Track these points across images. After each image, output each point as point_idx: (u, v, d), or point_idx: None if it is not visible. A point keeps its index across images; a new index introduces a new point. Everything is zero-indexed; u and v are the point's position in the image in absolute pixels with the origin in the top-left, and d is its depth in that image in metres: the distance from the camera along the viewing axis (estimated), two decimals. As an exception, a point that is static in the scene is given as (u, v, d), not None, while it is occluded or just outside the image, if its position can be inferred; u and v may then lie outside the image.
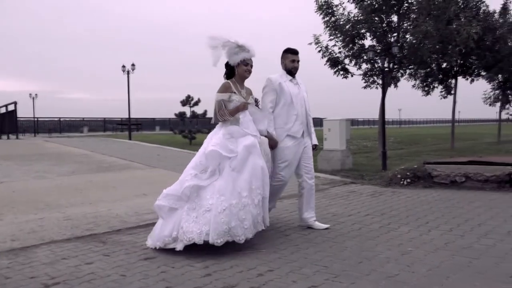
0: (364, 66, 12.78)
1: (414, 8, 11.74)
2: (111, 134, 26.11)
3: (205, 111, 17.52)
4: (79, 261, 3.23)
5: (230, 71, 3.89)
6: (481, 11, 15.23)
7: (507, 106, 21.39)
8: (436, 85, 16.56)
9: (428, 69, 15.07)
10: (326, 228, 4.17)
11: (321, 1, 12.33)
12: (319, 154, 9.16)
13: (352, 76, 13.00)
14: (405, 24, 12.22)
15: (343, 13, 12.25)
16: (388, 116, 66.03)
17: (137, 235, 3.99)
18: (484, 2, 15.26)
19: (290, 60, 4.18)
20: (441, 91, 16.85)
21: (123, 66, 23.51)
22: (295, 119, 4.13)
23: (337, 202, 5.63)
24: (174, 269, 3.04)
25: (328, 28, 12.33)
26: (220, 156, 3.53)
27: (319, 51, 12.62)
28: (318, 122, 17.10)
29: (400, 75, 13.60)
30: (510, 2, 16.50)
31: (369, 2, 11.77)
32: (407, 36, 12.09)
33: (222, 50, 3.80)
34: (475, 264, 2.99)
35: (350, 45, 12.26)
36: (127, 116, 23.42)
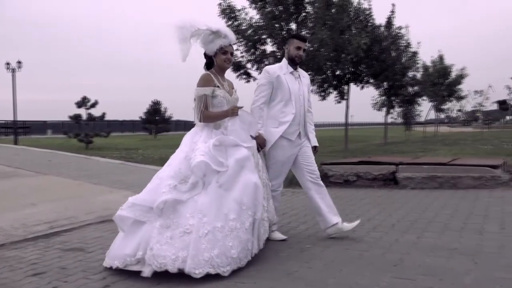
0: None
1: (311, 17, 12.45)
2: (-7, 139, 23.46)
3: (103, 114, 16.63)
4: (-49, 283, 2.83)
5: (208, 62, 3.41)
6: (369, 24, 16.66)
7: (392, 110, 23.60)
8: (331, 90, 17.68)
9: (324, 76, 16.05)
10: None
11: (224, 5, 12.48)
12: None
13: (254, 80, 13.36)
14: (303, 32, 12.88)
15: (245, 18, 12.54)
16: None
17: (24, 249, 3.62)
18: (372, 15, 16.74)
19: (295, 46, 3.66)
20: (336, 97, 18.01)
21: (7, 64, 21.37)
22: (291, 119, 3.61)
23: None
24: (67, 284, 2.81)
25: (230, 33, 12.53)
26: (208, 169, 2.98)
27: (222, 55, 12.75)
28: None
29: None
30: (394, 17, 18.28)
31: (269, 9, 12.20)
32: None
33: (194, 41, 3.29)
34: (365, 256, 3.23)
35: (252, 50, 12.58)
36: (12, 119, 21.30)
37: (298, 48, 3.67)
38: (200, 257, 2.71)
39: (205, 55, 3.41)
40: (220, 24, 3.42)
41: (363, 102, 28.70)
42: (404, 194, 6.03)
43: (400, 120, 25.71)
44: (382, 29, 17.76)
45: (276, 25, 12.33)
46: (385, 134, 22.27)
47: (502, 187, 6.02)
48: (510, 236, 3.60)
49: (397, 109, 24.01)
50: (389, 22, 18.12)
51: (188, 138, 3.29)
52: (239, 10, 12.49)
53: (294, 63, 3.69)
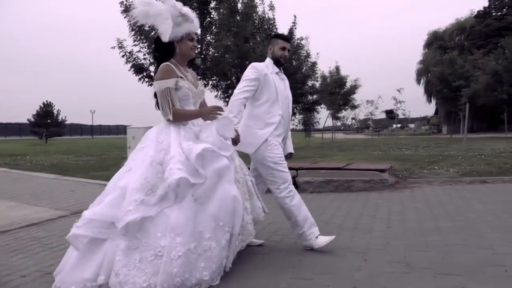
0: (169, 74, 12.93)
1: (216, 23, 12.51)
2: None
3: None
4: None
5: (167, 50, 2.92)
6: (273, 33, 17.23)
7: (293, 117, 24.61)
8: (236, 96, 17.91)
9: (229, 82, 16.21)
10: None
11: (126, 4, 11.97)
12: (123, 163, 8.78)
13: (158, 83, 13.01)
14: (208, 37, 12.89)
15: (148, 19, 12.17)
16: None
17: None
18: (276, 25, 17.33)
19: (280, 47, 3.52)
20: (240, 103, 18.30)
21: None
22: (278, 120, 3.41)
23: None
24: None
25: (133, 33, 12.05)
26: (184, 182, 2.57)
27: (123, 56, 12.21)
28: (122, 129, 16.41)
29: (203, 85, 14.22)
30: (296, 28, 19.13)
31: (174, 12, 11.98)
32: (210, 49, 12.78)
33: (166, 19, 2.78)
34: (266, 259, 3.28)
35: (156, 53, 12.24)
36: None
37: (283, 48, 3.53)
38: (170, 283, 2.36)
39: (159, 42, 2.91)
40: (186, 7, 2.91)
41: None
42: (304, 197, 6.19)
43: (300, 126, 26.94)
44: (285, 39, 18.47)
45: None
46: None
47: (389, 189, 6.59)
48: (394, 234, 3.92)
49: (298, 116, 25.14)
50: (291, 33, 18.92)
51: (151, 137, 2.83)
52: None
53: (279, 64, 3.56)
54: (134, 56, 12.32)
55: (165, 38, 2.82)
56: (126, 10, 11.92)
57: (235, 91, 3.39)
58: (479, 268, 2.88)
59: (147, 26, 2.83)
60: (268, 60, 3.55)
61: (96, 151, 18.67)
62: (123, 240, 2.46)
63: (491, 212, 4.68)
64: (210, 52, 12.62)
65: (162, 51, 2.94)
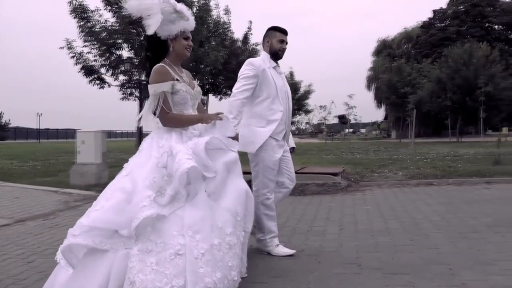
0: (121, 77, 12.62)
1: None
2: None
3: None
4: None
5: (160, 49, 2.69)
6: (228, 38, 17.26)
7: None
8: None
9: (183, 85, 16.05)
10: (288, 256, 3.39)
11: (75, 4, 11.56)
12: (72, 169, 8.46)
13: (109, 86, 12.63)
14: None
15: (99, 20, 11.80)
16: (147, 128, 66.91)
17: None
18: (231, 30, 17.38)
19: (278, 39, 3.37)
20: (195, 106, 18.13)
21: None
22: (280, 117, 3.26)
23: (90, 218, 5.27)
24: None
25: (83, 34, 11.65)
26: (195, 176, 2.32)
27: (73, 57, 11.78)
28: (71, 133, 15.81)
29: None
30: (252, 33, 19.26)
31: (126, 13, 11.68)
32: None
33: (156, 13, 2.57)
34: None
35: (107, 54, 11.89)
36: None
37: (281, 41, 3.39)
38: (202, 284, 2.07)
39: (153, 40, 2.69)
40: (181, 4, 2.70)
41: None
42: (259, 201, 6.32)
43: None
44: (240, 43, 18.57)
45: (133, 31, 11.88)
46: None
47: (341, 192, 6.76)
48: (347, 236, 4.02)
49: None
50: (246, 38, 19.05)
51: (150, 141, 2.59)
52: (92, 11, 11.70)
53: (277, 57, 3.41)
54: (84, 58, 11.90)
55: (150, 31, 2.61)
56: (74, 10, 11.51)
57: (234, 90, 3.24)
58: (425, 267, 3.01)
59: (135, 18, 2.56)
60: (265, 54, 3.41)
61: (43, 155, 17.80)
62: (134, 244, 2.17)
63: (436, 213, 4.92)
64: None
65: (155, 50, 2.72)
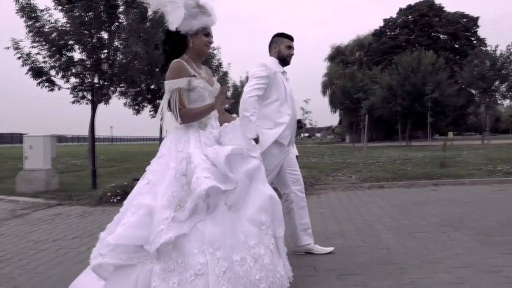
0: (73, 79, 12.16)
1: (125, 28, 12.05)
2: None
3: None
4: None
5: (178, 44, 2.56)
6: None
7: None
8: (145, 104, 17.40)
9: (138, 89, 15.72)
10: (330, 252, 3.51)
11: (22, 2, 11.03)
12: (18, 175, 8.07)
13: (59, 89, 12.13)
14: (116, 43, 12.37)
15: (49, 20, 11.31)
16: (100, 133, 65.06)
17: None
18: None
19: (286, 45, 3.40)
20: (150, 111, 17.82)
21: None
22: (288, 120, 3.28)
23: (39, 227, 5.05)
24: None
25: (31, 34, 11.13)
26: (215, 190, 2.23)
27: (19, 58, 11.23)
28: (17, 138, 15.05)
29: (111, 92, 13.61)
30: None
31: (78, 14, 11.31)
32: (118, 54, 12.26)
33: (179, 7, 2.45)
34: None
35: (57, 56, 11.43)
36: None
37: (289, 47, 3.43)
38: None
39: (171, 35, 2.55)
40: None
41: (178, 117, 29.17)
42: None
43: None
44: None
45: (86, 32, 11.48)
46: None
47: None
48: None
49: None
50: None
51: (169, 145, 2.48)
52: (42, 10, 11.20)
53: (285, 63, 3.45)
54: (33, 59, 11.37)
55: (173, 27, 2.50)
56: (22, 9, 11.00)
57: (245, 89, 3.21)
58: (377, 267, 3.12)
59: (153, 13, 2.38)
60: (273, 60, 3.42)
61: (-14, 162, 16.83)
62: (156, 263, 2.15)
63: (388, 214, 5.10)
64: (118, 58, 12.10)
65: (173, 45, 2.58)
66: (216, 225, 2.20)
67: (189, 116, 2.49)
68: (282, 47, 3.42)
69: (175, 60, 2.51)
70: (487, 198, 6.15)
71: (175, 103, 2.45)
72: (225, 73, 21.01)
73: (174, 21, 2.49)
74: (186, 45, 2.56)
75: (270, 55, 3.47)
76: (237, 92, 29.36)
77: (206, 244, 2.14)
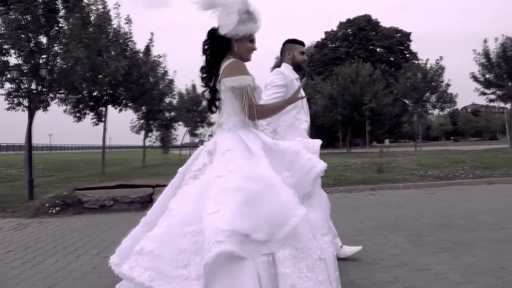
0: (8, 85, 11.50)
1: (65, 33, 11.61)
2: None
3: None
4: None
5: (222, 47, 2.45)
6: (129, 48, 16.73)
7: (150, 134, 24.15)
8: (87, 111, 16.80)
9: (80, 96, 15.16)
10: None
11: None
12: None
13: (-7, 95, 11.43)
14: (56, 47, 11.87)
15: (-19, 22, 10.66)
16: (38, 141, 61.72)
17: None
18: (133, 40, 16.88)
19: (299, 51, 3.34)
20: (93, 118, 17.21)
21: None
22: (306, 127, 3.23)
23: (-30, 241, 4.75)
24: None
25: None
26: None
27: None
28: None
29: (50, 99, 13.01)
30: (153, 45, 18.90)
31: (14, 16, 10.75)
32: (58, 59, 11.78)
33: (231, 13, 2.36)
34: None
35: (-10, 60, 10.78)
36: None
37: (302, 53, 3.40)
38: (340, 286, 2.15)
39: (214, 35, 2.46)
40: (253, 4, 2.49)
41: (122, 125, 28.41)
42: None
43: (158, 143, 26.54)
44: (141, 55, 18.14)
45: (23, 36, 10.92)
46: (143, 157, 22.55)
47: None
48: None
49: (155, 133, 24.76)
50: (148, 49, 18.67)
51: (235, 142, 2.29)
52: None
53: (299, 69, 3.38)
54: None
55: (223, 31, 2.42)
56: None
57: (264, 97, 3.06)
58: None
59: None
60: (288, 67, 3.36)
61: None
62: (283, 248, 1.97)
63: (329, 219, 5.32)
64: (58, 64, 11.60)
65: (217, 47, 2.49)
66: (318, 211, 2.26)
67: (269, 111, 2.52)
68: (296, 53, 3.39)
69: (234, 59, 2.43)
70: (419, 201, 6.59)
71: (249, 99, 2.33)
72: (171, 81, 20.78)
73: (225, 26, 2.43)
74: (229, 49, 2.49)
75: (284, 62, 3.42)
76: (183, 100, 29.12)
77: (315, 229, 2.15)
